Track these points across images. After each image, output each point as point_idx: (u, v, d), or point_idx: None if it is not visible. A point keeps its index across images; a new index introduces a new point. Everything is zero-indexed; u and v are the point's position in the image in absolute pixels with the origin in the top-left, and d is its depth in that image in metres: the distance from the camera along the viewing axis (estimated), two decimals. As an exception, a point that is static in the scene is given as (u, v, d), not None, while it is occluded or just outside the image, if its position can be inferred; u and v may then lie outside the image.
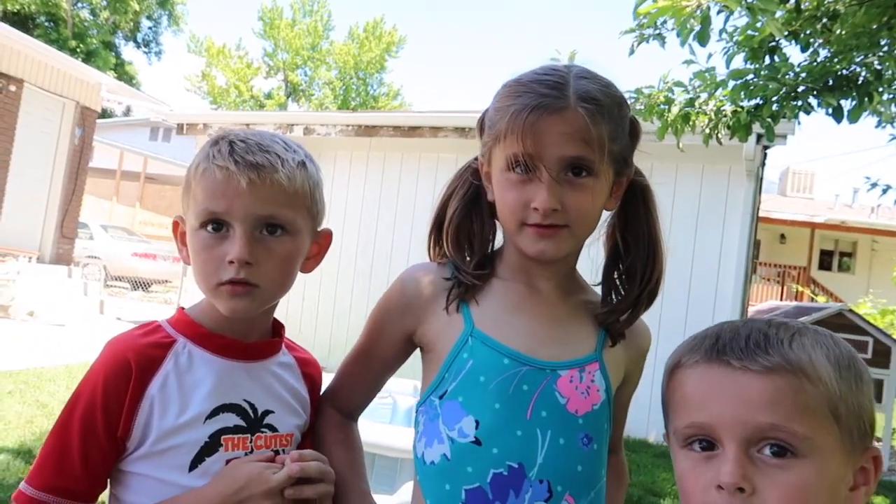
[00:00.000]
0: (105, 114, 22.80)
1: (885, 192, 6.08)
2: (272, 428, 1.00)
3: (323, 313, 7.48)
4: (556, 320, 1.06)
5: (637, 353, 1.12)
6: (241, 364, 1.00)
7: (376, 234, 7.49)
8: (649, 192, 1.11)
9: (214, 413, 0.95)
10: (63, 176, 10.14)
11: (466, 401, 1.00)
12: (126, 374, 0.91)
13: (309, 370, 1.11)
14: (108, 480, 0.94)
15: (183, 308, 1.02)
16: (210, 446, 0.94)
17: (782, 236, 19.39)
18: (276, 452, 0.98)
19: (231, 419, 0.96)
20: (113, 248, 14.27)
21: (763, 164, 6.68)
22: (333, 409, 1.15)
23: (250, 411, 0.98)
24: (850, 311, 6.59)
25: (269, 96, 33.28)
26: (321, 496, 0.95)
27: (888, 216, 17.63)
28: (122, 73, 28.22)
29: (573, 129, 0.95)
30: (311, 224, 1.02)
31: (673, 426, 0.76)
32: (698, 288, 6.20)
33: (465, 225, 1.09)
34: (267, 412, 1.00)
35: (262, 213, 0.94)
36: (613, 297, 1.10)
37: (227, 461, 0.94)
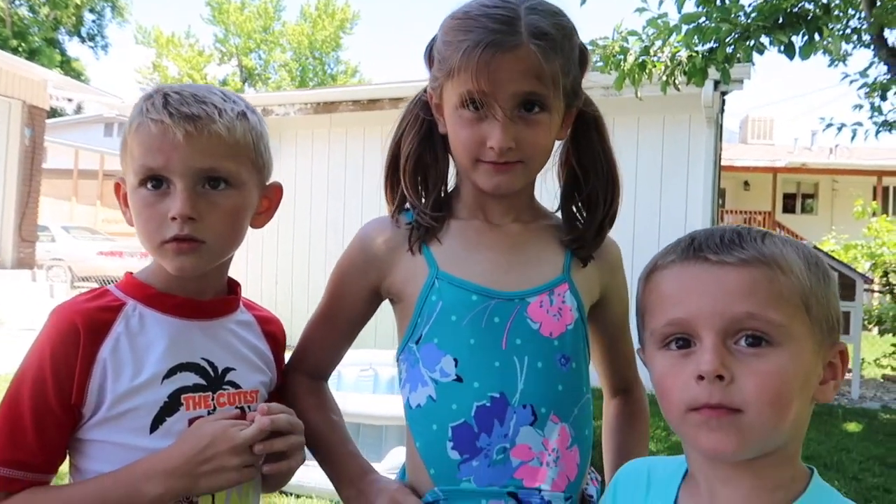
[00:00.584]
0: (55, 113, 22.14)
1: (839, 130, 6.21)
2: (234, 385, 0.98)
3: (298, 297, 7.41)
4: (518, 249, 1.07)
5: (608, 265, 1.13)
6: (196, 323, 0.97)
7: (345, 212, 7.40)
8: (601, 121, 1.12)
9: (171, 373, 0.92)
10: (16, 179, 9.83)
11: (442, 341, 1.02)
12: (74, 340, 0.88)
13: (270, 328, 1.09)
14: (67, 451, 0.92)
15: (130, 273, 0.99)
16: (170, 406, 0.91)
17: (746, 183, 19.72)
18: (242, 409, 0.97)
19: (190, 378, 0.94)
20: (77, 249, 13.98)
21: (722, 111, 6.76)
22: (302, 373, 1.14)
23: (210, 369, 0.96)
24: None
25: (224, 83, 32.54)
26: (291, 448, 0.93)
27: (846, 156, 18.00)
28: (69, 69, 27.32)
29: (526, 66, 0.95)
30: (257, 177, 0.99)
31: (649, 329, 0.77)
32: (667, 239, 6.24)
33: (421, 161, 1.09)
34: (228, 369, 0.98)
35: (202, 167, 0.91)
36: (576, 224, 1.11)
37: (190, 420, 0.92)
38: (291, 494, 3.29)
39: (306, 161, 7.66)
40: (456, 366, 1.00)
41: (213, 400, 0.95)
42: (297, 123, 7.69)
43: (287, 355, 1.14)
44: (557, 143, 1.10)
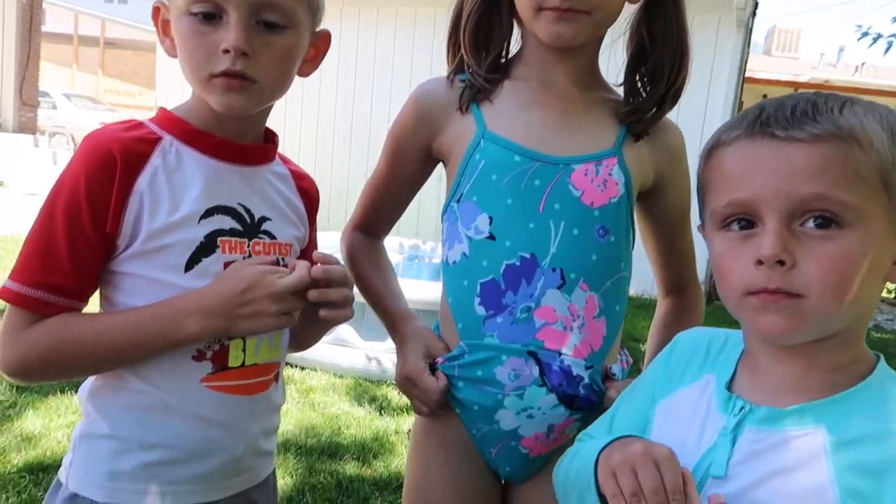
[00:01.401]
0: (53, -28, 21.06)
1: (875, 41, 5.94)
2: (270, 235, 0.96)
3: (321, 153, 7.32)
4: (571, 114, 1.04)
5: (667, 151, 1.08)
6: (234, 167, 0.94)
7: (354, 96, 7.20)
8: None
9: (208, 213, 0.90)
10: (14, 40, 9.49)
11: (480, 199, 1.02)
12: (111, 167, 0.84)
13: (304, 184, 1.07)
14: (99, 282, 0.90)
15: (164, 108, 0.94)
16: (206, 246, 0.89)
17: (765, 97, 19.17)
18: (277, 261, 0.95)
19: (227, 221, 0.92)
20: (78, 118, 13.73)
21: (753, 15, 6.42)
22: (359, 230, 1.19)
23: (246, 215, 0.94)
24: None
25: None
26: (345, 300, 0.92)
27: (871, 74, 17.43)
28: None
29: None
30: (310, 21, 0.94)
31: (710, 208, 0.73)
32: None
33: (483, 20, 1.05)
34: (264, 218, 0.96)
35: None
36: (637, 96, 1.07)
37: (226, 263, 0.90)
38: (296, 366, 3.40)
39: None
40: (490, 223, 1.00)
41: (248, 246, 0.93)
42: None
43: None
44: (630, 10, 1.04)
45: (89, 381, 0.93)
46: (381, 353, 3.32)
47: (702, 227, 0.78)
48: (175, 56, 0.90)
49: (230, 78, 0.85)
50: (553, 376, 0.99)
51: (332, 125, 7.26)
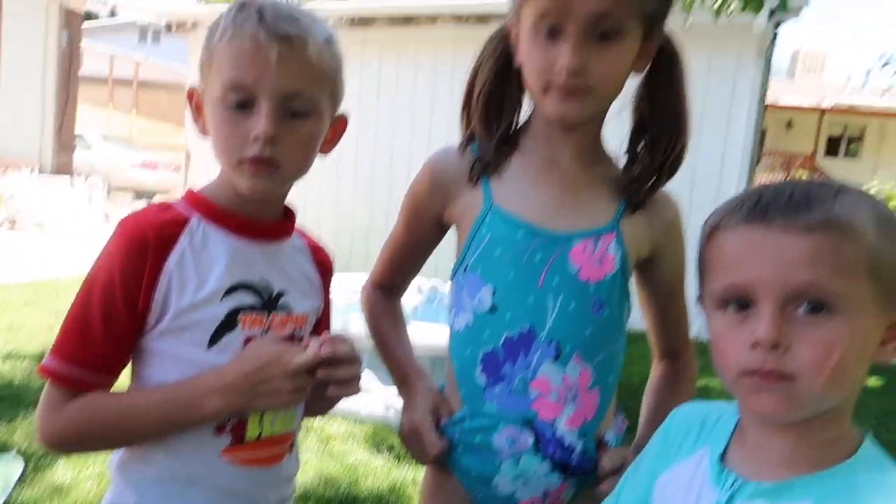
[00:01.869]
0: (90, 16, 21.91)
1: (897, 70, 5.90)
2: (287, 309, 1.02)
3: (326, 219, 7.45)
4: (573, 191, 1.08)
5: (662, 224, 1.12)
6: (255, 244, 1.00)
7: (376, 136, 7.31)
8: (677, 58, 1.09)
9: (231, 290, 0.96)
10: (55, 83, 9.89)
11: (484, 272, 1.07)
12: (143, 250, 0.91)
13: (320, 256, 1.12)
14: (130, 357, 0.96)
15: (192, 189, 1.01)
16: (227, 323, 0.95)
17: (789, 122, 18.99)
18: (293, 335, 1.01)
19: (247, 298, 0.97)
20: (113, 159, 14.13)
21: (773, 43, 6.40)
22: (377, 287, 1.27)
23: (265, 291, 1.00)
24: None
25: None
26: (352, 377, 0.97)
27: (899, 98, 17.16)
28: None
29: None
30: (332, 107, 1.01)
31: (709, 289, 0.76)
32: (701, 181, 5.93)
33: (495, 94, 1.10)
34: (281, 293, 1.01)
35: (290, 89, 0.91)
36: (637, 167, 1.10)
37: (246, 339, 0.96)
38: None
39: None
40: (493, 295, 1.06)
41: (267, 320, 0.99)
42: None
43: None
44: (633, 81, 1.08)
45: (118, 454, 0.99)
46: (400, 400, 3.34)
47: (700, 299, 0.81)
48: (207, 135, 0.98)
49: (258, 164, 0.92)
50: (547, 445, 1.03)
51: (354, 166, 7.38)
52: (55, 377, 0.91)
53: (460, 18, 6.65)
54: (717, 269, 0.75)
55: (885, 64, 5.72)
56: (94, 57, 18.97)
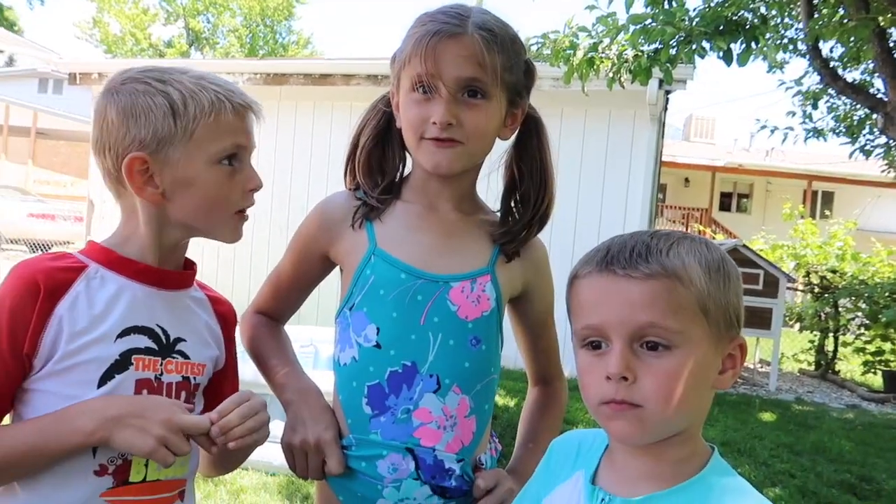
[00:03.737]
0: (-16, 64, 20.91)
1: (772, 132, 6.53)
2: (184, 355, 1.02)
3: (239, 269, 7.34)
4: (452, 236, 1.18)
5: (533, 265, 1.23)
6: (155, 291, 1.01)
7: (291, 187, 7.33)
8: (541, 125, 1.23)
9: (125, 333, 0.96)
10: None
11: (370, 311, 1.14)
12: (33, 295, 0.90)
13: (221, 308, 1.14)
14: (13, 402, 0.94)
15: (93, 240, 1.02)
16: (120, 364, 0.95)
17: (686, 180, 20.37)
18: (187, 379, 1.01)
19: (142, 341, 0.97)
20: (6, 210, 13.34)
21: (665, 109, 6.99)
22: (261, 314, 1.28)
23: (162, 336, 1.00)
24: (745, 246, 7.08)
25: (169, 45, 31.35)
26: (249, 430, 0.95)
27: (780, 158, 18.76)
28: (1, 19, 25.83)
29: (469, 52, 1.07)
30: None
31: (574, 329, 0.87)
32: (607, 228, 6.45)
33: (376, 152, 1.20)
34: (179, 339, 1.02)
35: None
36: (509, 220, 1.22)
37: (137, 381, 0.95)
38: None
39: (254, 132, 7.50)
40: (378, 334, 1.12)
41: (161, 365, 0.99)
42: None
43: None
44: (502, 146, 1.20)
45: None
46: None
47: (573, 338, 0.90)
48: (160, 203, 0.99)
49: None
50: (426, 470, 1.10)
51: (269, 215, 7.31)
52: None
53: (376, 78, 6.83)
54: (577, 312, 0.86)
55: (763, 127, 6.31)
56: (-11, 105, 18.03)
